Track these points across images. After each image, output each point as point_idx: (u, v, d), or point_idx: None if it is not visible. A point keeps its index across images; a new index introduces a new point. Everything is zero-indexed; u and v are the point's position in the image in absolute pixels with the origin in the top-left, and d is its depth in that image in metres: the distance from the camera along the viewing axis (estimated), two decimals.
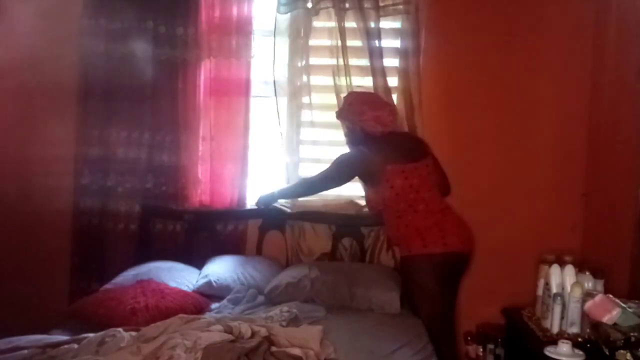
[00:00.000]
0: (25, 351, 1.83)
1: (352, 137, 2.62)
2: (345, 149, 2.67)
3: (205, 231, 2.93)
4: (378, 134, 2.54)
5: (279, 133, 2.93)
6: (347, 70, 2.84)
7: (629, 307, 1.89)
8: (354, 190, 2.90)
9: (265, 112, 2.98)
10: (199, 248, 2.92)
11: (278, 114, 2.92)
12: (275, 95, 2.91)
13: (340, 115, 2.65)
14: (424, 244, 2.42)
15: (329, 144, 2.94)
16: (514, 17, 2.83)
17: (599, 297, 1.98)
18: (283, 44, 2.91)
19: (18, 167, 2.97)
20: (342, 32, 2.82)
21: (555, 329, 2.18)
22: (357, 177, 2.63)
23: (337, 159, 2.56)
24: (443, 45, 2.86)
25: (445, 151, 2.71)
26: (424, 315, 2.41)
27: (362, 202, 2.86)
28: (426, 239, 2.42)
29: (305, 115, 2.93)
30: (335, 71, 2.86)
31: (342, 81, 2.85)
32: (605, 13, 2.66)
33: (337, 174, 2.57)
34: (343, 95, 2.80)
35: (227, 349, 1.68)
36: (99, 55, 2.88)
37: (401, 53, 2.85)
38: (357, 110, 2.56)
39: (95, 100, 2.91)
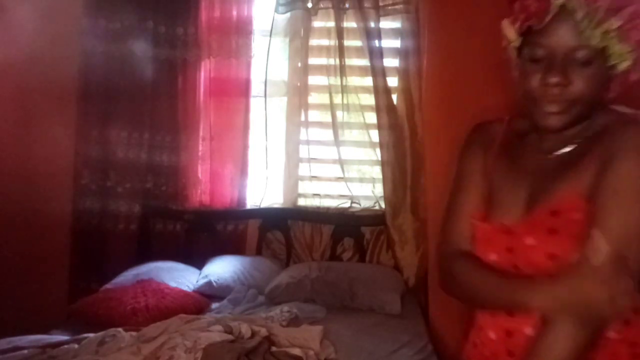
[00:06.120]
0: (25, 351, 1.83)
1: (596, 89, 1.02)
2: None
3: (205, 231, 2.93)
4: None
5: (264, 134, 2.94)
6: (346, 70, 2.84)
7: None
8: (354, 190, 2.92)
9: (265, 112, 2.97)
10: (199, 248, 2.92)
11: (266, 114, 2.92)
12: (265, 95, 2.91)
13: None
14: None
15: (329, 144, 2.94)
16: None
17: None
18: (284, 44, 2.91)
19: (18, 167, 2.96)
20: (341, 32, 2.82)
21: None
22: None
23: None
24: (443, 44, 2.85)
25: (445, 152, 2.68)
26: None
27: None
28: None
29: (305, 115, 2.93)
30: (334, 71, 2.85)
31: (341, 81, 2.84)
32: None
33: None
34: (341, 94, 2.80)
35: (227, 349, 1.69)
36: (99, 55, 2.88)
37: (401, 53, 2.84)
38: None
39: (95, 100, 2.91)
